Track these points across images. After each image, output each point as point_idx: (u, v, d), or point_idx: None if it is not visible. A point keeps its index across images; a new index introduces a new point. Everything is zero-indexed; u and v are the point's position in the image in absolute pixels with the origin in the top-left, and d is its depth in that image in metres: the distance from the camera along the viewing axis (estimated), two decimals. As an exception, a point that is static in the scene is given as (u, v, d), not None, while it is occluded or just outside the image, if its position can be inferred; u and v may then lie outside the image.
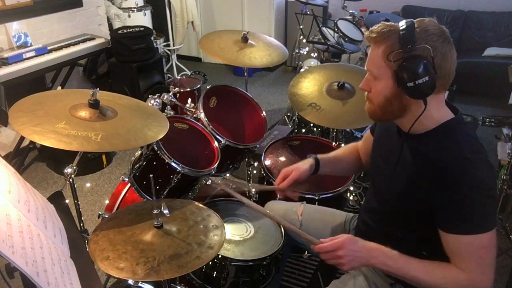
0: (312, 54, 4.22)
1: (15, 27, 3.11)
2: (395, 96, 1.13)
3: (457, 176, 1.08)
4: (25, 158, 3.25)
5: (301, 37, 4.22)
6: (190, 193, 1.86)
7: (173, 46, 4.90)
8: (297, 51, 4.46)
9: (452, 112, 1.19)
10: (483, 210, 1.09)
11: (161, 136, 1.50)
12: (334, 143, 2.21)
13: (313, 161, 1.50)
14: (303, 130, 3.15)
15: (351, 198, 2.47)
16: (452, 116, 1.18)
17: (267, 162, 2.04)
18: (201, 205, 1.46)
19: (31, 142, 3.20)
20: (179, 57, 5.27)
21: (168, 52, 5.00)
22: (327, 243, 1.20)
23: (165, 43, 4.89)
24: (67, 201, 1.35)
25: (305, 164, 1.48)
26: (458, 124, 1.17)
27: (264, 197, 1.96)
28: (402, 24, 1.11)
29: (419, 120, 1.14)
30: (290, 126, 3.09)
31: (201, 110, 1.92)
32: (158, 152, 1.68)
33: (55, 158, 3.13)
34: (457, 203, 1.09)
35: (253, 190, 2.07)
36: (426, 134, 1.17)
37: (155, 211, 1.25)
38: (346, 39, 3.48)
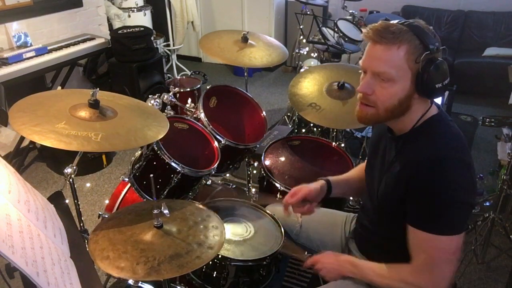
0: (312, 54, 4.22)
1: (15, 27, 3.11)
2: (407, 97, 1.12)
3: (427, 176, 1.09)
4: (25, 158, 3.25)
5: (301, 37, 4.22)
6: (190, 193, 1.86)
7: (173, 46, 4.90)
8: (297, 51, 4.46)
9: (436, 108, 1.20)
10: (448, 213, 1.09)
11: (161, 136, 1.50)
12: (334, 143, 2.21)
13: (324, 183, 1.49)
14: (303, 130, 3.15)
15: (350, 198, 2.47)
16: (435, 113, 1.18)
17: (267, 162, 2.03)
18: (201, 206, 1.46)
19: (31, 142, 3.20)
20: (179, 57, 5.27)
21: (168, 52, 5.00)
22: (310, 260, 1.38)
23: (165, 43, 4.89)
24: (67, 201, 1.35)
25: (316, 184, 1.47)
26: (439, 121, 1.17)
27: (264, 191, 1.95)
28: (407, 23, 1.09)
29: (408, 119, 1.16)
30: (290, 126, 3.09)
31: (201, 110, 1.92)
32: (158, 152, 1.68)
33: (55, 158, 3.13)
34: (423, 200, 1.10)
35: (253, 190, 2.07)
36: (409, 133, 1.18)
37: (155, 211, 1.25)
38: (346, 39, 3.48)
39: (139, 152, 1.82)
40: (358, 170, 1.59)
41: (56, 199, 1.31)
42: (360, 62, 1.17)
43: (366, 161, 1.44)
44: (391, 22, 1.11)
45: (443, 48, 1.10)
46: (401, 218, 1.22)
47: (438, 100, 2.97)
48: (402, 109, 1.14)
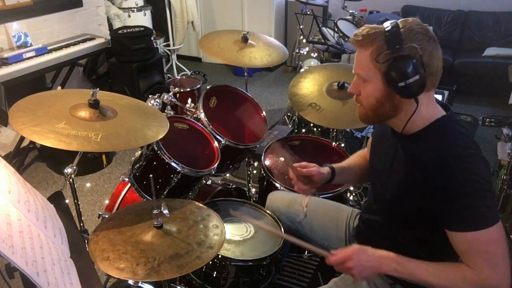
0: (312, 54, 4.22)
1: (15, 27, 3.11)
2: (386, 97, 1.13)
3: (449, 174, 1.08)
4: (25, 158, 3.25)
5: (301, 37, 4.23)
6: (190, 193, 1.86)
7: (173, 46, 4.90)
8: (297, 51, 4.46)
9: (443, 110, 1.19)
10: (480, 205, 1.08)
11: (161, 136, 1.50)
12: (334, 143, 2.21)
13: (329, 170, 1.48)
14: (303, 130, 3.15)
15: (351, 198, 2.47)
16: (443, 114, 1.18)
17: (267, 162, 2.04)
18: (201, 204, 1.46)
19: (31, 142, 3.19)
20: (179, 57, 5.27)
21: (168, 52, 5.00)
22: (336, 256, 1.21)
23: (165, 43, 4.89)
24: (67, 201, 1.34)
25: (324, 170, 1.46)
26: (449, 122, 1.17)
27: (264, 191, 1.96)
28: (387, 25, 1.11)
29: (403, 120, 1.15)
30: (290, 126, 3.09)
31: (201, 110, 1.92)
32: (158, 152, 1.68)
33: (55, 158, 3.13)
34: (453, 201, 1.09)
35: (253, 190, 2.07)
36: (418, 134, 1.17)
37: (155, 211, 1.25)
38: (346, 39, 3.48)
39: (139, 152, 1.82)
40: (358, 157, 1.58)
41: (56, 199, 1.31)
42: None
43: (368, 158, 1.43)
44: (375, 25, 1.14)
45: (412, 45, 1.08)
46: (410, 218, 1.21)
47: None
48: (387, 109, 1.15)
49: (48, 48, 3.16)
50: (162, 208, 1.25)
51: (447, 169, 1.08)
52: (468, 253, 1.11)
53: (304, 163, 1.46)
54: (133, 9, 4.33)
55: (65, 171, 1.55)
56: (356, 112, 1.24)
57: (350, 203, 2.50)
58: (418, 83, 1.08)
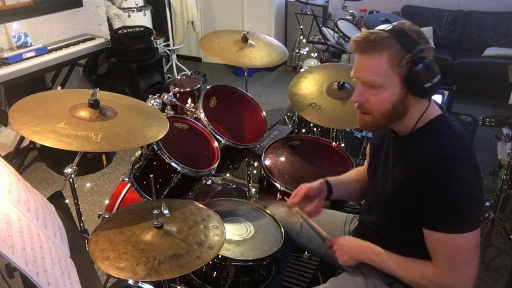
0: (312, 54, 4.23)
1: (15, 27, 3.11)
2: (401, 100, 1.13)
3: (436, 176, 1.09)
4: (25, 158, 3.25)
5: (301, 37, 4.23)
6: (190, 193, 1.86)
7: (173, 46, 4.90)
8: (297, 51, 4.46)
9: (439, 109, 1.20)
10: (461, 210, 1.09)
11: (161, 136, 1.50)
12: (334, 143, 2.21)
13: (324, 182, 1.48)
14: (303, 130, 3.15)
15: (351, 198, 2.47)
16: (439, 113, 1.18)
17: (267, 162, 2.03)
18: (201, 205, 1.46)
19: (31, 142, 3.19)
20: (179, 57, 5.27)
21: (168, 52, 5.00)
22: (329, 241, 1.42)
23: (165, 43, 4.89)
24: (67, 201, 1.35)
25: (315, 182, 1.47)
26: (443, 122, 1.17)
27: (264, 191, 1.96)
28: (389, 28, 1.11)
29: (408, 120, 1.17)
30: (290, 126, 3.09)
31: (201, 110, 1.92)
32: (158, 152, 1.68)
33: (55, 158, 3.13)
34: (435, 201, 1.11)
35: (253, 190, 2.07)
36: (413, 134, 1.18)
37: (155, 211, 1.25)
38: (346, 39, 3.48)
39: (139, 152, 1.82)
40: (356, 173, 1.59)
41: (56, 199, 1.31)
42: (351, 72, 1.19)
43: (368, 162, 1.43)
44: (373, 30, 1.14)
45: (427, 47, 1.10)
46: (407, 219, 1.22)
47: (438, 100, 2.97)
48: (399, 112, 1.15)
49: (48, 48, 3.16)
50: (163, 208, 1.25)
51: (434, 171, 1.10)
52: (435, 252, 1.15)
53: (293, 192, 1.47)
54: (133, 9, 4.33)
55: (65, 171, 1.55)
56: (357, 120, 1.22)
57: (350, 203, 2.50)
58: (440, 82, 1.11)
